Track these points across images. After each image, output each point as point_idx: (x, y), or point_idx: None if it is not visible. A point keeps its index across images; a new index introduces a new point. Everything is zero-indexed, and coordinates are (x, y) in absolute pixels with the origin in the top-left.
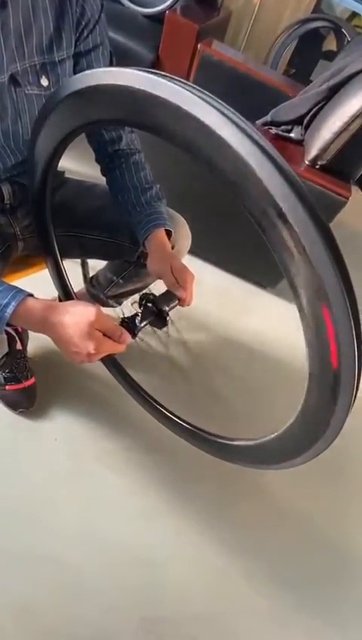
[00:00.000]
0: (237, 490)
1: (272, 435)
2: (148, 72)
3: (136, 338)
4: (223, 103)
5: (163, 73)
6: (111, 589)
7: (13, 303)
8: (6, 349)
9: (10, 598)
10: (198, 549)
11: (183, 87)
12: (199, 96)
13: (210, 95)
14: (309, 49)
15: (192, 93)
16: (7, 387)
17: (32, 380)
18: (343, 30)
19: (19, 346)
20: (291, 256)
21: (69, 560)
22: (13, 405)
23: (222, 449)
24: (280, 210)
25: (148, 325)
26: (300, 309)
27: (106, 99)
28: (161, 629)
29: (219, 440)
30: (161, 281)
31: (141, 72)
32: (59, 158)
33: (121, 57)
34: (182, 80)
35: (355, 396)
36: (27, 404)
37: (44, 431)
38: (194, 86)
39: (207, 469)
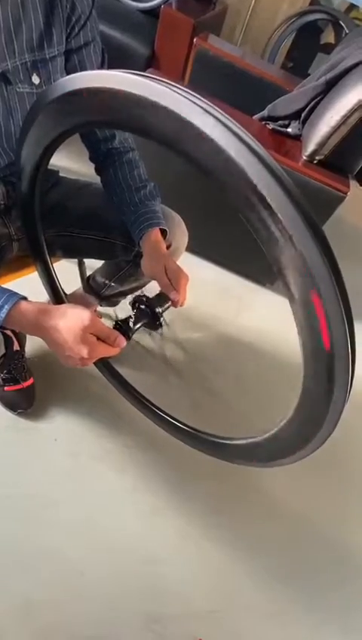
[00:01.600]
0: (237, 488)
1: (270, 432)
2: (123, 72)
3: (132, 342)
4: (197, 95)
5: (137, 72)
6: (113, 587)
7: (6, 307)
8: (2, 351)
9: (13, 598)
10: (199, 547)
11: (167, 87)
12: (184, 96)
13: (189, 91)
14: (307, 42)
15: (172, 90)
16: (5, 388)
17: (30, 381)
18: (341, 22)
19: (16, 347)
20: (275, 241)
21: (70, 559)
22: (12, 406)
23: (218, 448)
24: (260, 195)
25: (142, 327)
26: (290, 298)
27: (86, 103)
28: (163, 626)
29: (215, 440)
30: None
31: (114, 72)
32: (48, 162)
33: (116, 53)
34: (159, 77)
35: (351, 383)
36: (26, 404)
37: (43, 431)
38: (175, 84)
39: (206, 466)
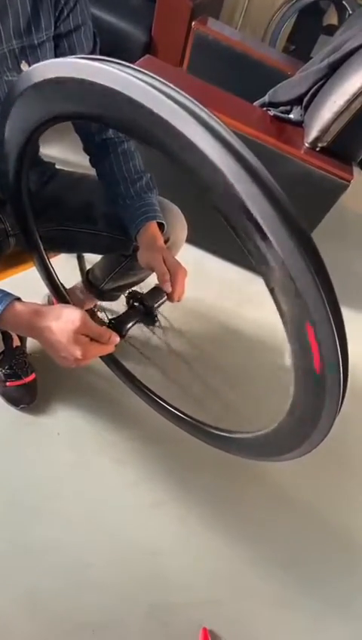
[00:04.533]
0: (239, 479)
1: (271, 427)
2: (98, 60)
3: (129, 341)
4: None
5: (107, 59)
6: (117, 578)
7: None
8: (2, 347)
9: (19, 588)
10: (202, 537)
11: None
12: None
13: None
14: (309, 24)
15: (147, 83)
16: (7, 383)
17: (32, 376)
18: (344, 2)
19: (17, 343)
20: (264, 261)
21: (74, 550)
22: (14, 401)
23: (222, 441)
24: (246, 211)
25: (138, 323)
26: (280, 313)
27: (56, 92)
28: (167, 615)
29: (217, 432)
30: (152, 277)
31: (87, 62)
32: (32, 152)
33: (112, 39)
34: (139, 68)
35: (343, 395)
36: (28, 399)
37: (46, 426)
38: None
39: (209, 458)
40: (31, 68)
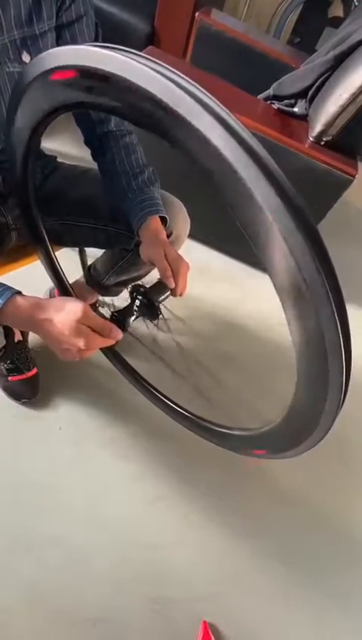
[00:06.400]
0: (240, 474)
1: (273, 424)
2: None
3: (137, 336)
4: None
5: (116, 46)
6: (119, 572)
7: (0, 301)
8: (3, 342)
9: (21, 583)
10: (203, 532)
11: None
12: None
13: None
14: (314, 15)
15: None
16: (9, 378)
17: (34, 371)
18: None
19: (18, 337)
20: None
21: (75, 545)
22: (16, 396)
23: (222, 437)
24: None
25: (140, 318)
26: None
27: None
28: (168, 608)
29: (219, 429)
30: (154, 272)
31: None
32: (38, 144)
33: (114, 30)
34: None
35: (345, 396)
36: (30, 394)
37: (48, 420)
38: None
39: (210, 453)
40: (43, 54)
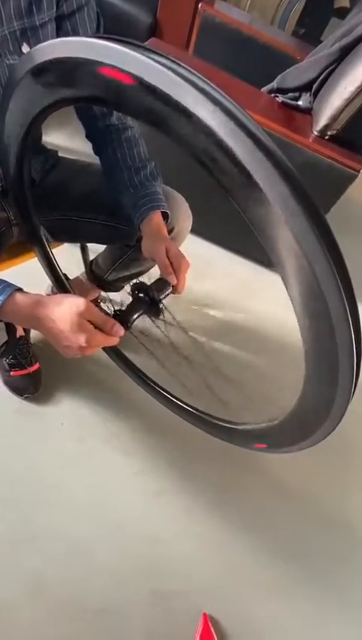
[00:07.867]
0: (241, 469)
1: (276, 420)
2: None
3: (137, 334)
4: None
5: (113, 37)
6: (120, 565)
7: (0, 298)
8: (5, 338)
9: (24, 576)
10: (204, 526)
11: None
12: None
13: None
14: (319, 6)
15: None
16: (12, 373)
17: (36, 366)
18: None
19: (20, 333)
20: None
21: (78, 538)
22: (18, 391)
23: (225, 432)
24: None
25: (142, 315)
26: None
27: (58, 73)
28: (169, 601)
29: (222, 424)
30: (155, 268)
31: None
32: (35, 139)
33: (116, 21)
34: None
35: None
36: (32, 389)
37: (50, 415)
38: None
39: (211, 448)
40: (36, 47)
